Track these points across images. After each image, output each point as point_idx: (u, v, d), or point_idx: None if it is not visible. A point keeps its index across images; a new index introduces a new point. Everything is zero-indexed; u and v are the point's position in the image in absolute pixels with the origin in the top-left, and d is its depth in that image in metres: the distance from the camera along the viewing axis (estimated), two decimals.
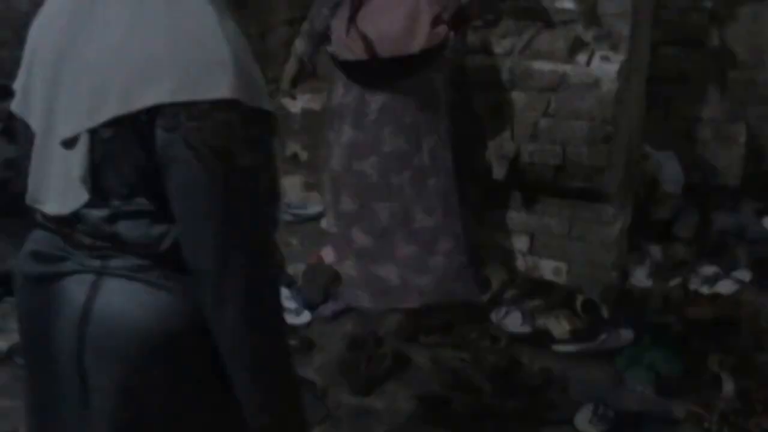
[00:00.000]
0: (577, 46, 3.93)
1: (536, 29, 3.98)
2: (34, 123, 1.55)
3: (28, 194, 1.58)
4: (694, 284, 4.25)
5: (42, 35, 1.57)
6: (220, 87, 1.38)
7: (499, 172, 3.90)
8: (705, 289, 4.21)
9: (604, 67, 3.86)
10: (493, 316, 3.95)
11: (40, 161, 1.55)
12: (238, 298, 1.44)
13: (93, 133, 1.43)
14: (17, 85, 1.61)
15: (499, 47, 3.93)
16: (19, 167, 1.67)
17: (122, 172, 1.45)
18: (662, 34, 5.00)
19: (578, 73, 3.81)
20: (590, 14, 4.08)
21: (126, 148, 1.43)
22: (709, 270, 4.32)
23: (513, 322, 3.91)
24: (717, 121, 5.18)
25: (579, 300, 3.95)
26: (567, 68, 3.82)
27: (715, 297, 4.14)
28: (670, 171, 4.88)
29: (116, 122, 1.41)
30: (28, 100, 1.57)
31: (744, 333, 3.84)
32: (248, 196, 1.43)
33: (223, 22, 1.44)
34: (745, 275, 4.33)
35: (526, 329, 3.88)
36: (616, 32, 4.07)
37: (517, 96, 3.84)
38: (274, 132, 1.49)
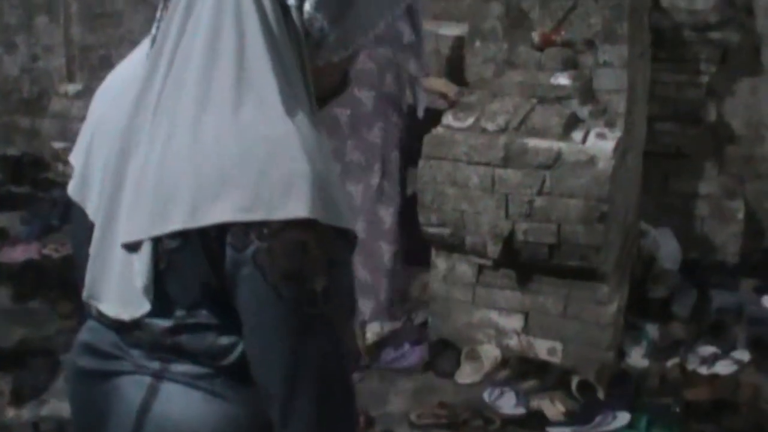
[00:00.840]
0: (572, 122, 3.95)
1: (531, 105, 4.00)
2: (93, 213, 1.49)
3: (85, 288, 1.51)
4: (692, 364, 4.21)
5: (104, 116, 1.50)
6: (295, 205, 1.29)
7: (493, 250, 3.89)
8: (703, 370, 4.18)
9: (600, 144, 3.87)
10: (486, 397, 3.91)
11: (100, 257, 1.47)
12: (307, 422, 1.36)
13: (157, 240, 1.36)
14: (75, 166, 1.55)
15: (494, 124, 3.93)
16: (75, 255, 1.62)
17: (187, 284, 1.38)
18: (658, 109, 5.04)
19: (573, 150, 3.81)
20: (586, 90, 4.11)
21: (192, 261, 1.35)
22: (707, 350, 4.29)
23: (506, 403, 3.87)
24: (715, 197, 5.19)
25: (574, 381, 3.92)
26: (562, 145, 3.82)
27: (714, 378, 4.10)
28: (668, 248, 4.88)
29: (182, 233, 1.33)
30: (87, 186, 1.51)
31: (743, 415, 3.80)
32: (322, 321, 1.33)
33: (301, 125, 1.35)
34: (744, 355, 4.29)
35: (520, 411, 3.84)
36: (612, 108, 4.10)
37: (512, 173, 3.83)
38: (352, 251, 1.39)
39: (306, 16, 1.40)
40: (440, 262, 4.18)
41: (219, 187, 1.30)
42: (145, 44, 1.48)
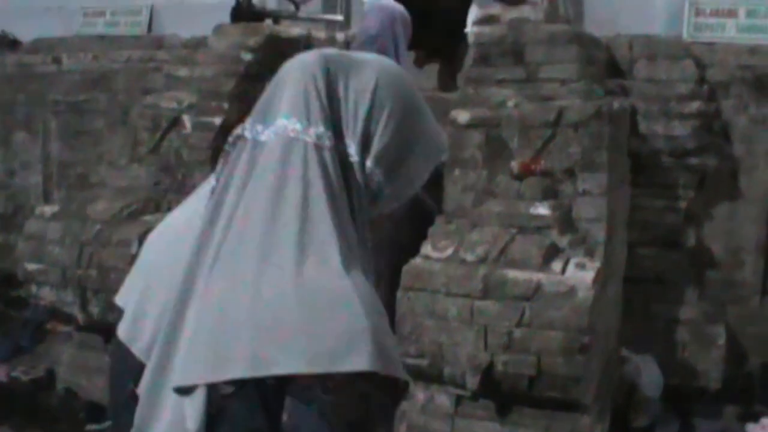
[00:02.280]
0: (551, 253, 3.99)
1: (510, 235, 4.05)
2: (143, 354, 1.54)
3: (135, 427, 1.52)
4: None
5: (160, 264, 1.58)
6: (358, 359, 1.34)
7: (472, 381, 3.88)
8: None
9: (580, 274, 3.90)
10: None
11: (151, 397, 1.50)
12: None
13: (212, 386, 1.39)
14: (126, 309, 1.60)
15: (473, 254, 3.98)
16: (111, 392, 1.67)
17: (238, 429, 1.41)
18: (638, 234, 5.10)
19: (553, 281, 3.84)
20: (565, 219, 4.17)
21: (245, 407, 1.39)
22: None
23: None
24: (695, 322, 5.21)
25: None
26: (541, 276, 3.85)
27: None
28: (649, 375, 4.88)
29: (239, 381, 1.37)
30: (138, 329, 1.56)
31: None
32: None
33: (358, 281, 1.41)
34: None
35: None
36: (591, 237, 4.15)
37: (491, 305, 3.85)
38: (403, 397, 1.48)
39: (367, 171, 1.52)
40: (418, 393, 4.16)
41: (280, 340, 1.35)
42: (199, 193, 1.59)
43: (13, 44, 7.40)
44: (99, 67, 6.86)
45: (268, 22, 5.78)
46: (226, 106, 5.21)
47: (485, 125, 4.33)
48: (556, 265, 3.95)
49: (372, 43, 4.68)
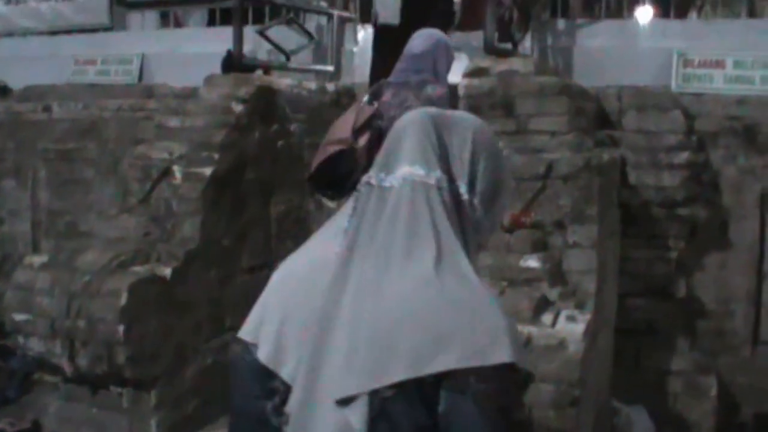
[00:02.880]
0: (542, 305, 4.01)
1: (501, 288, 4.07)
2: (290, 377, 1.74)
3: None
4: None
5: (296, 298, 1.80)
6: (502, 352, 1.61)
7: None
8: None
9: (570, 327, 3.91)
10: None
11: (302, 416, 1.71)
12: None
13: (373, 392, 1.62)
14: (265, 339, 1.79)
15: None
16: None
17: (399, 429, 1.62)
18: (629, 285, 5.13)
19: (543, 334, 3.85)
20: (556, 272, 4.19)
21: (407, 407, 1.62)
22: None
23: None
24: (687, 373, 5.22)
25: None
26: (532, 329, 3.86)
27: None
28: (641, 426, 4.88)
29: (399, 383, 1.60)
30: (283, 355, 1.76)
31: None
32: None
33: (487, 289, 1.73)
34: None
35: None
36: (582, 289, 4.17)
37: None
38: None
39: (473, 207, 1.85)
40: None
41: (438, 341, 1.62)
42: (323, 237, 1.90)
43: (3, 91, 7.43)
44: (89, 115, 6.89)
45: (259, 72, 5.82)
46: (216, 156, 5.24)
47: None
48: (547, 318, 3.96)
49: (413, 60, 4.73)
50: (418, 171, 1.83)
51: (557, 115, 4.60)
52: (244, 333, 1.87)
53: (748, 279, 5.38)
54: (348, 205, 1.92)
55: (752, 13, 6.13)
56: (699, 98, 5.47)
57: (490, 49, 4.96)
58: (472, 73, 4.85)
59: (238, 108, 5.38)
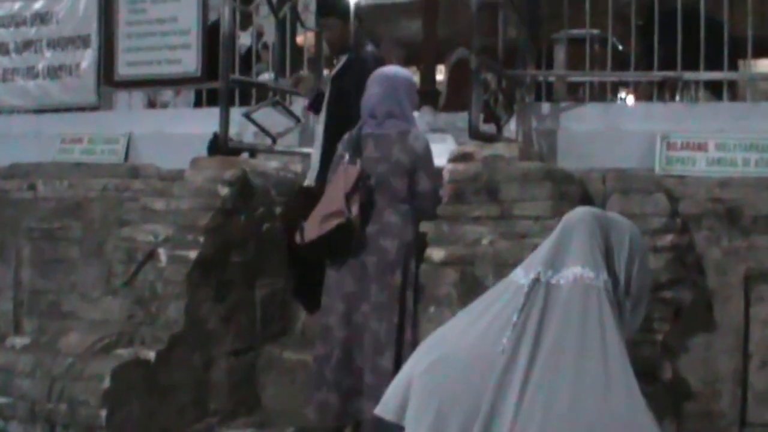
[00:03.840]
0: None
1: None
2: None
3: None
4: None
5: (454, 388, 1.95)
6: None
7: None
8: None
9: None
10: None
11: None
12: None
13: None
14: (419, 423, 1.96)
15: None
16: None
17: None
18: None
19: None
20: None
21: None
22: None
23: None
24: None
25: None
26: None
27: None
28: None
29: None
30: None
31: None
32: None
33: (647, 406, 2.01)
34: None
35: None
36: None
37: None
38: None
39: (624, 307, 2.08)
40: None
41: None
42: (482, 323, 2.08)
43: None
44: (74, 194, 6.93)
45: (245, 155, 5.90)
46: (201, 239, 5.29)
47: (460, 263, 4.42)
48: None
49: (380, 106, 4.98)
50: (588, 273, 2.02)
51: (542, 200, 4.67)
52: (386, 410, 2.02)
53: (734, 360, 5.39)
54: (498, 290, 2.14)
55: (734, 97, 6.26)
56: (682, 180, 5.54)
57: (474, 134, 5.05)
58: (456, 158, 4.94)
59: (223, 191, 5.45)
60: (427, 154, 4.91)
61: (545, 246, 2.13)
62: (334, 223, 4.77)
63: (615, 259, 2.07)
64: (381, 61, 5.71)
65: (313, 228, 4.85)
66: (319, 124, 5.77)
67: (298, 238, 4.93)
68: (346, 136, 5.09)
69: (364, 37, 6.00)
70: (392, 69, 5.35)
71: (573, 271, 1.98)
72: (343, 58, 5.86)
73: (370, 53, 5.86)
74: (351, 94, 5.40)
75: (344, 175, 4.85)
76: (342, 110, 5.48)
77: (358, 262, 4.88)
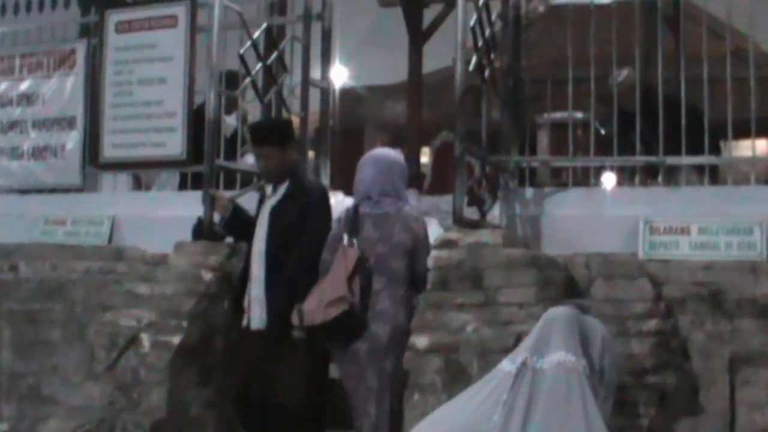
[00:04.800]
0: None
1: None
2: None
3: None
4: None
5: None
6: None
7: None
8: None
9: None
10: None
11: None
12: None
13: None
14: None
15: None
16: None
17: None
18: None
19: None
20: None
21: None
22: None
23: None
24: None
25: None
26: None
27: None
28: None
29: None
30: None
31: None
32: None
33: None
34: None
35: None
36: None
37: None
38: None
39: (598, 393, 2.40)
40: None
41: None
42: (476, 401, 2.54)
43: None
44: (57, 276, 6.94)
45: (229, 240, 5.94)
46: (185, 325, 5.31)
47: (444, 350, 4.44)
48: None
49: (374, 186, 5.17)
50: (570, 357, 2.40)
51: (525, 286, 4.72)
52: None
53: None
54: (487, 378, 2.54)
55: (715, 177, 6.36)
56: (666, 265, 5.60)
57: (459, 221, 5.12)
58: (441, 245, 4.99)
59: (207, 276, 5.48)
60: (427, 236, 5.12)
61: (530, 337, 2.62)
62: (339, 309, 4.89)
63: (590, 350, 2.51)
64: (325, 192, 5.61)
65: (316, 312, 4.96)
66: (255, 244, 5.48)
67: (295, 320, 5.01)
68: (341, 217, 5.27)
69: (304, 165, 5.94)
70: (383, 150, 5.62)
71: (557, 356, 2.38)
72: (282, 188, 5.51)
73: (313, 183, 5.77)
74: (294, 228, 5.29)
75: (344, 258, 4.97)
76: (285, 243, 5.29)
77: (350, 347, 4.97)
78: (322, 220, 5.37)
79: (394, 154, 5.50)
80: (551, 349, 2.54)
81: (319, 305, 4.94)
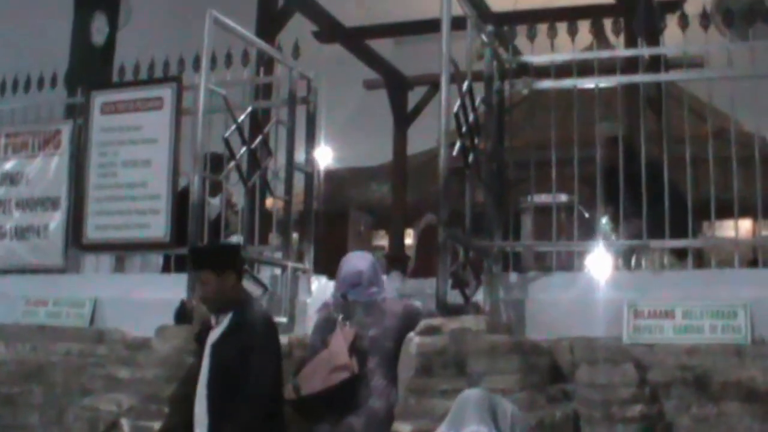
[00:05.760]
0: None
1: None
2: None
3: None
4: None
5: None
6: None
7: None
8: None
9: None
10: None
11: None
12: None
13: None
14: None
15: None
16: None
17: None
18: None
19: None
20: None
21: None
22: None
23: None
24: None
25: None
26: None
27: None
28: None
29: None
30: None
31: None
32: None
33: None
34: None
35: None
36: None
37: None
38: None
39: None
40: None
41: None
42: None
43: None
44: (37, 358, 6.89)
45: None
46: (166, 410, 5.27)
47: None
48: None
49: (363, 277, 5.46)
50: (483, 428, 2.74)
51: (509, 373, 4.73)
52: None
53: None
54: None
55: (700, 265, 6.41)
56: (650, 349, 5.61)
57: (442, 307, 5.14)
58: (424, 331, 5.00)
59: (189, 361, 5.45)
60: (417, 316, 5.33)
61: (449, 414, 2.98)
62: (341, 376, 5.04)
63: (501, 424, 2.86)
64: (271, 325, 5.32)
65: (315, 381, 5.09)
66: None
67: (290, 394, 5.12)
68: (327, 302, 5.61)
69: (246, 293, 5.50)
70: (360, 252, 5.99)
71: (470, 429, 2.80)
72: (225, 319, 5.20)
73: (258, 315, 5.29)
74: (237, 369, 4.96)
75: (342, 334, 5.20)
76: (229, 389, 4.97)
77: (344, 422, 5.07)
78: (268, 359, 5.05)
79: (369, 254, 5.89)
80: (465, 424, 2.93)
81: (318, 374, 5.08)
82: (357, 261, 5.62)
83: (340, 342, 5.14)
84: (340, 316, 5.31)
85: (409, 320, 5.29)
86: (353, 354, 5.10)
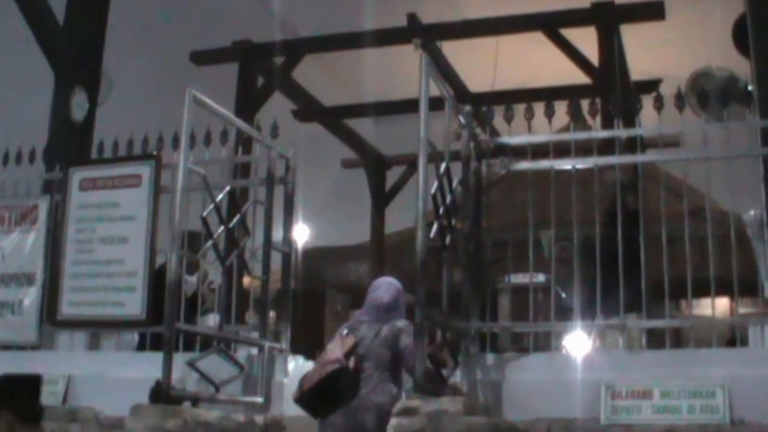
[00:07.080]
0: None
1: None
2: None
3: None
4: None
5: None
6: None
7: None
8: None
9: None
10: None
11: None
12: None
13: None
14: None
15: None
16: None
17: None
18: None
19: None
20: None
21: None
22: None
23: None
24: None
25: None
26: None
27: None
28: None
29: None
30: None
31: None
32: None
33: None
34: None
35: None
36: None
37: None
38: None
39: None
40: None
41: None
42: None
43: None
44: None
45: (187, 404, 5.86)
46: None
47: None
48: None
49: (385, 310, 5.83)
50: None
51: None
52: None
53: None
54: None
55: (678, 344, 6.43)
56: (629, 429, 5.60)
57: (419, 388, 5.11)
58: (401, 413, 4.97)
59: None
60: (407, 327, 5.67)
61: None
62: (333, 367, 5.56)
63: None
64: None
65: (313, 376, 5.63)
66: None
67: (296, 394, 5.66)
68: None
69: None
70: (388, 280, 6.19)
71: None
72: None
73: None
74: None
75: (341, 340, 5.74)
76: None
77: (356, 420, 5.52)
78: None
79: (397, 283, 6.15)
80: None
81: (316, 371, 5.65)
82: (382, 293, 5.96)
83: (335, 344, 5.72)
84: (345, 330, 5.85)
85: (393, 335, 5.71)
86: (350, 356, 5.63)
